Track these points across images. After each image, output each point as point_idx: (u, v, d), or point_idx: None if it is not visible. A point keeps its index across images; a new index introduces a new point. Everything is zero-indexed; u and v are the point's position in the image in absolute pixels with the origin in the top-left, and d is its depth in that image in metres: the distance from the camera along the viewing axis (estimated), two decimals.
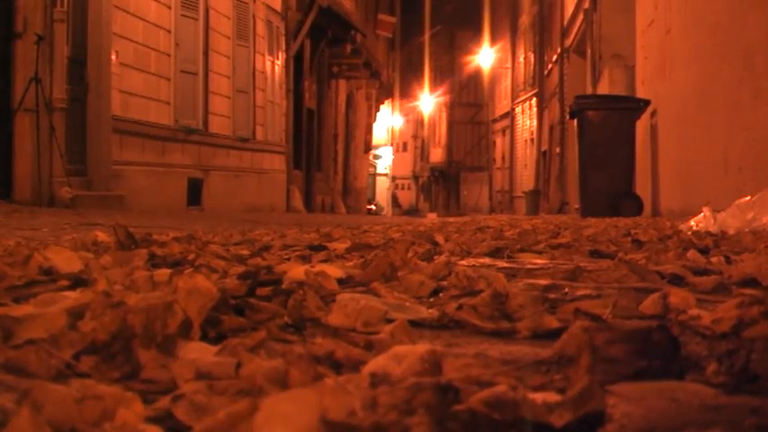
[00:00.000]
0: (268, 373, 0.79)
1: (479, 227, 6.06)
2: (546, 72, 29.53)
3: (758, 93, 7.60)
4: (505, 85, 40.36)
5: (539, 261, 2.77)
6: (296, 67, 18.41)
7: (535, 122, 31.32)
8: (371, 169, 43.70)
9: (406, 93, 46.82)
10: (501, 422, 0.69)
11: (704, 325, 1.19)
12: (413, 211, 45.61)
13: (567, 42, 23.84)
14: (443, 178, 48.68)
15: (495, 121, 43.29)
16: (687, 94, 10.55)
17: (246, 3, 15.61)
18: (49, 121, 9.07)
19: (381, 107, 34.38)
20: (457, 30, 46.20)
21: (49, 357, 0.92)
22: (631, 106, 12.23)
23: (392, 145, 51.20)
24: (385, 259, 1.94)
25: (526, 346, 1.21)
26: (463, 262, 2.59)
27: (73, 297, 1.21)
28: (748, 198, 4.50)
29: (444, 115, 48.29)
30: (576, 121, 12.64)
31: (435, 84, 47.35)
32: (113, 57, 10.86)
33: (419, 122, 51.37)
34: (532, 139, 31.85)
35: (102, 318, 0.99)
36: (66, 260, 1.77)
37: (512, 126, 37.61)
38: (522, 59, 36.35)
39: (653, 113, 12.63)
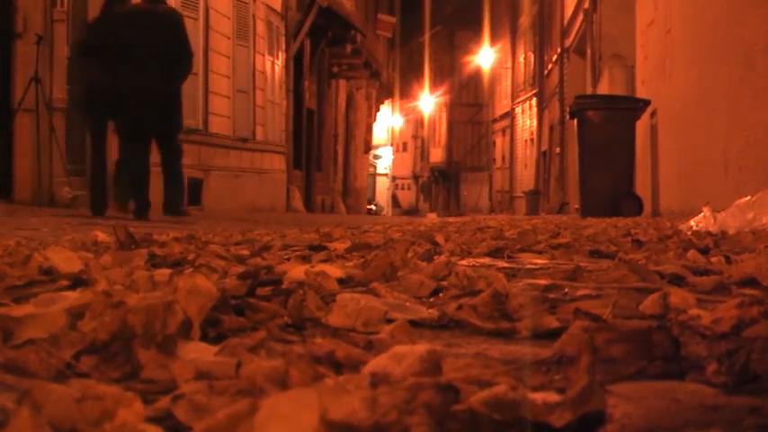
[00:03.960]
0: (268, 373, 0.79)
1: (479, 227, 6.06)
2: (546, 72, 29.53)
3: (758, 93, 7.59)
4: (505, 85, 40.37)
5: (539, 261, 2.77)
6: (296, 67, 18.41)
7: (535, 122, 31.33)
8: (371, 169, 43.71)
9: (406, 93, 46.83)
10: (501, 422, 0.69)
11: (704, 325, 1.19)
12: (413, 211, 45.62)
13: (567, 42, 23.84)
14: (443, 178, 48.69)
15: (495, 121, 43.30)
16: (687, 94, 10.56)
17: (246, 3, 15.61)
18: (49, 121, 9.07)
19: (381, 107, 34.39)
20: (457, 30, 46.21)
21: (49, 357, 0.92)
22: (631, 106, 12.23)
23: (392, 145, 51.21)
24: (385, 259, 1.94)
25: (526, 346, 1.21)
26: (463, 262, 2.59)
27: (73, 297, 1.21)
28: (748, 198, 4.50)
29: (444, 115, 48.30)
30: (575, 121, 12.65)
31: (435, 84, 47.36)
32: None
33: (419, 122, 51.39)
34: (532, 139, 31.86)
35: (102, 318, 0.99)
36: (66, 260, 1.77)
37: (512, 126, 37.62)
38: (522, 59, 36.35)
39: (653, 113, 12.63)
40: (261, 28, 16.43)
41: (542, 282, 1.94)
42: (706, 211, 4.56)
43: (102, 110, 7.60)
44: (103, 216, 7.31)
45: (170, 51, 7.47)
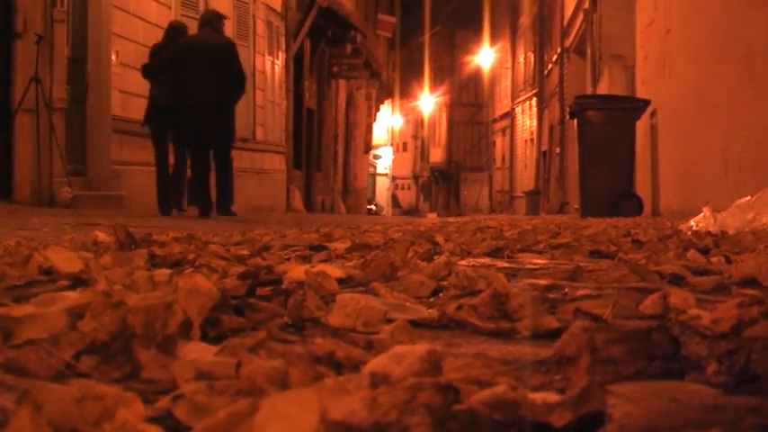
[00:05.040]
0: (268, 373, 0.79)
1: (479, 227, 6.06)
2: (546, 72, 29.54)
3: (758, 93, 7.59)
4: (505, 85, 40.37)
5: (539, 261, 2.77)
6: (296, 67, 18.41)
7: (535, 122, 31.34)
8: (371, 169, 43.70)
9: (406, 93, 46.82)
10: (501, 422, 0.69)
11: (704, 325, 1.19)
12: (413, 211, 45.60)
13: (567, 42, 23.85)
14: (443, 178, 48.69)
15: (495, 121, 43.30)
16: (687, 94, 10.56)
17: (246, 3, 15.61)
18: (49, 122, 9.07)
19: (381, 107, 34.39)
20: (457, 30, 46.22)
21: (49, 357, 0.92)
22: (631, 106, 12.23)
23: (392, 145, 51.20)
24: (385, 259, 1.94)
25: (526, 346, 1.21)
26: (463, 262, 2.59)
27: (73, 297, 1.21)
28: (748, 198, 4.50)
29: (444, 115, 48.31)
30: (575, 121, 12.65)
31: (435, 84, 47.35)
32: (113, 57, 10.85)
33: (419, 122, 51.38)
34: (532, 139, 31.87)
35: (102, 318, 0.99)
36: (66, 260, 1.77)
37: (512, 126, 37.62)
38: (522, 59, 36.36)
39: (653, 113, 12.63)
40: (261, 28, 16.42)
41: (542, 282, 1.94)
42: (706, 211, 4.56)
43: (161, 123, 9.01)
44: (170, 216, 8.70)
45: (226, 76, 8.71)
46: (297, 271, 1.77)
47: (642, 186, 13.14)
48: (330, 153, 22.93)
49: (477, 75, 45.06)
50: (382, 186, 51.53)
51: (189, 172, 9.33)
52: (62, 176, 9.26)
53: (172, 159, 9.39)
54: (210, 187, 8.99)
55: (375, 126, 33.79)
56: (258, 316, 1.29)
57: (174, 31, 9.32)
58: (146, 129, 9.41)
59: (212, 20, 9.07)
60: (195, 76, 8.60)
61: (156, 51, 9.30)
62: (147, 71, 9.33)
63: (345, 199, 24.62)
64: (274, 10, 17.28)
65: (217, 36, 8.98)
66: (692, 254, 2.56)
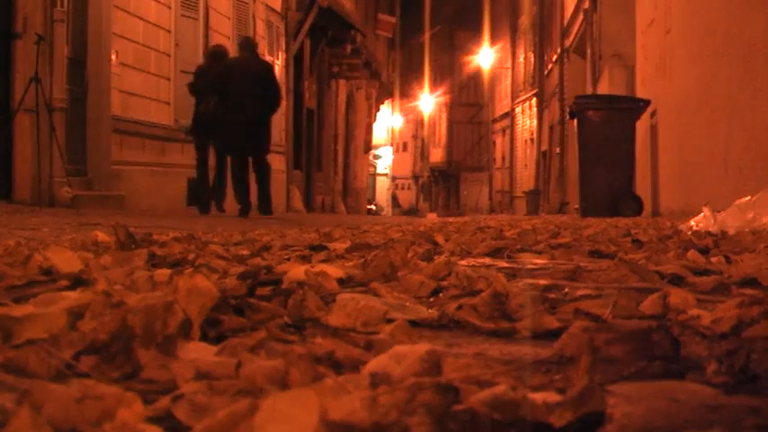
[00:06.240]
0: (268, 373, 0.79)
1: (479, 227, 6.06)
2: (546, 72, 29.53)
3: (758, 93, 7.59)
4: (505, 85, 40.37)
5: (539, 261, 2.76)
6: (296, 67, 18.41)
7: (535, 122, 31.33)
8: (371, 169, 43.69)
9: (406, 93, 46.80)
10: (501, 422, 0.69)
11: (704, 325, 1.19)
12: (413, 212, 45.60)
13: (567, 42, 23.84)
14: (443, 178, 48.68)
15: (495, 121, 43.29)
16: (687, 94, 10.55)
17: (246, 3, 15.61)
18: (49, 121, 9.05)
19: (381, 107, 34.37)
20: (457, 30, 46.20)
21: (49, 357, 0.92)
22: (631, 106, 12.22)
23: (392, 145, 51.19)
24: (385, 259, 1.94)
25: (526, 346, 1.21)
26: (463, 262, 2.59)
27: (73, 297, 1.21)
28: (748, 198, 4.50)
29: (444, 115, 48.29)
30: (575, 120, 12.64)
31: (435, 84, 47.34)
32: (113, 57, 10.85)
33: (419, 122, 51.37)
34: (532, 139, 31.86)
35: (102, 318, 0.99)
36: (66, 260, 1.76)
37: (512, 126, 37.62)
38: (522, 59, 36.35)
39: (653, 113, 12.63)
40: (261, 28, 16.42)
41: (542, 282, 1.94)
42: (706, 211, 4.55)
43: (205, 134, 10.30)
44: (208, 214, 10.00)
45: (264, 94, 9.88)
46: (297, 271, 1.77)
47: (642, 186, 13.13)
48: (330, 153, 22.93)
49: (477, 75, 45.04)
50: (382, 186, 51.52)
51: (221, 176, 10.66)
52: (62, 176, 9.25)
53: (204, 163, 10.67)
54: (250, 191, 10.02)
55: (375, 126, 33.78)
56: (258, 316, 1.29)
57: (217, 54, 10.72)
58: (184, 136, 10.95)
59: (251, 44, 10.53)
60: (238, 93, 9.74)
61: (199, 72, 10.61)
62: (192, 89, 10.51)
63: (345, 199, 24.61)
64: (274, 10, 17.28)
65: (256, 58, 10.37)
66: (692, 254, 2.56)
